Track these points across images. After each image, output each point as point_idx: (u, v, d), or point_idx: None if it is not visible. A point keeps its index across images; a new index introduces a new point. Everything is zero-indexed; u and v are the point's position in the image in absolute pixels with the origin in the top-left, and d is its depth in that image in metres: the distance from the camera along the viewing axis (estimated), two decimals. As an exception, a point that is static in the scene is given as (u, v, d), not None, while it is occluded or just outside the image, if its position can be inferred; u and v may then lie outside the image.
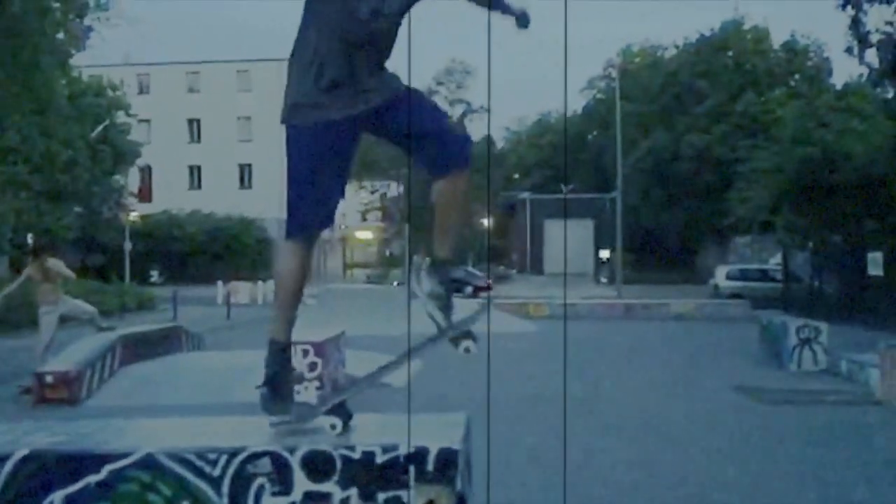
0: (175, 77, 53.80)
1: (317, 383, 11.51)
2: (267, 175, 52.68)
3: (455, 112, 64.01)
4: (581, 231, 56.68)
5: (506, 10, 3.01)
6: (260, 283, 32.25)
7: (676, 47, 54.17)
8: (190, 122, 54.27)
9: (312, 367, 11.59)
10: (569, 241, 56.06)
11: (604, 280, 48.32)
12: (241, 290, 31.69)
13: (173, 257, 44.78)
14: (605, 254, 49.80)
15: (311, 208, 3.01)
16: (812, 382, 12.06)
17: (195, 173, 54.40)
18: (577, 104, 65.02)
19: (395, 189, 65.03)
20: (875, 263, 20.75)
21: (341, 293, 23.99)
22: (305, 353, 11.63)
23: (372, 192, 67.40)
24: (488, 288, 30.22)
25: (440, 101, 62.22)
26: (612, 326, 21.69)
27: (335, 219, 3.10)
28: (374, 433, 3.99)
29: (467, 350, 3.22)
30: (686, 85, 48.27)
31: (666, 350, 16.67)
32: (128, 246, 33.65)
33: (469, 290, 34.16)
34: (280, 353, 3.18)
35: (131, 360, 13.03)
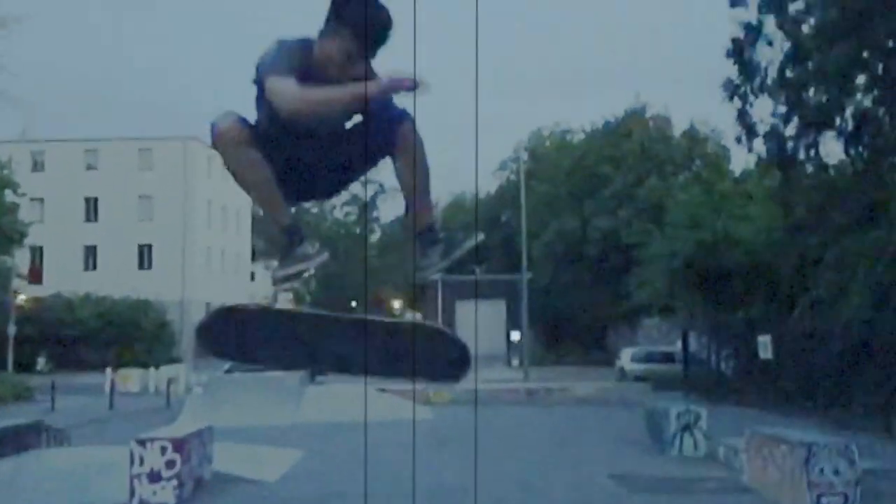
0: (72, 154, 52.10)
1: (174, 482, 10.79)
2: (168, 256, 51.34)
3: (368, 192, 64.28)
4: (493, 312, 56.55)
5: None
6: (152, 369, 30.82)
7: (584, 132, 55.60)
8: (87, 200, 52.39)
9: (170, 464, 10.90)
10: (481, 322, 55.79)
11: (515, 362, 48.09)
12: (132, 378, 30.20)
13: (63, 343, 42.64)
14: (516, 335, 49.70)
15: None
16: (688, 469, 12.04)
17: (91, 254, 52.26)
18: (490, 185, 65.88)
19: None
20: (764, 347, 21.05)
21: (231, 381, 23.00)
22: (164, 449, 10.94)
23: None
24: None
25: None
26: (510, 412, 21.35)
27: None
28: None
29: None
30: (593, 169, 49.38)
31: (555, 436, 16.50)
32: (11, 331, 31.91)
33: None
34: (289, 231, 3.19)
35: (-19, 461, 12.07)
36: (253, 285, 67.15)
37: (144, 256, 52.13)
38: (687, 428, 13.10)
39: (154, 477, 10.76)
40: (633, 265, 36.33)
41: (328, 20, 2.90)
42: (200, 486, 11.48)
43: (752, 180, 30.48)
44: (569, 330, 51.43)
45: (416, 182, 3.05)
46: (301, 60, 2.90)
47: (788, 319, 20.34)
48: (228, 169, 3.00)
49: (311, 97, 2.80)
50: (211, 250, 55.45)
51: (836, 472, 8.28)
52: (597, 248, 47.32)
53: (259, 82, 2.93)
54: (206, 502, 10.55)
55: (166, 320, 47.26)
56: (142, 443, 10.97)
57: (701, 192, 29.93)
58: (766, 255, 22.58)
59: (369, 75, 2.91)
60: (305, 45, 2.94)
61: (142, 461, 10.82)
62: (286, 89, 2.79)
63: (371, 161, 3.14)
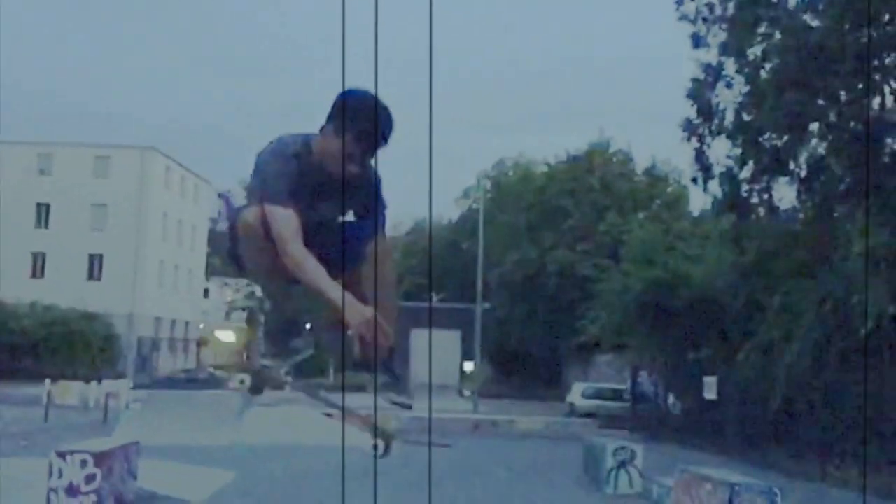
0: (25, 157, 50.87)
1: (94, 497, 10.45)
2: (119, 267, 50.29)
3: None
4: (448, 342, 56.19)
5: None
6: (94, 383, 29.98)
7: (547, 164, 55.75)
8: (38, 205, 51.13)
9: (90, 479, 10.58)
10: (436, 351, 55.34)
11: (467, 393, 47.76)
12: (71, 391, 29.33)
13: (5, 352, 41.36)
14: (469, 366, 49.43)
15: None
16: None
17: (39, 261, 51.00)
18: (452, 213, 65.88)
19: (261, 288, 63.67)
20: (709, 388, 21.11)
21: (171, 398, 22.55)
22: (84, 463, 10.63)
23: (237, 291, 65.81)
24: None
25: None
26: (454, 443, 21.07)
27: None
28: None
29: (375, 448, 3.15)
30: (553, 201, 49.49)
31: (495, 468, 16.24)
32: (-50, 336, 30.97)
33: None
34: (289, 323, 3.23)
35: None
36: (206, 302, 66.22)
37: (95, 267, 50.94)
38: (623, 465, 13.05)
39: (72, 491, 10.47)
40: (588, 300, 36.38)
41: (329, 119, 2.94)
42: (121, 503, 11.14)
43: (709, 221, 30.77)
44: (524, 363, 51.25)
45: (383, 297, 3.00)
46: (300, 159, 2.96)
47: (734, 362, 20.41)
48: (244, 256, 3.02)
49: (299, 267, 2.82)
50: (164, 264, 54.52)
51: (758, 513, 8.23)
52: (554, 281, 47.29)
53: (258, 178, 2.96)
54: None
55: (113, 334, 46.22)
56: (62, 455, 10.67)
57: (657, 231, 30.13)
58: (716, 296, 22.69)
59: (367, 176, 3.03)
60: (305, 141, 3.00)
61: (60, 474, 10.54)
62: (284, 235, 2.83)
63: (345, 270, 3.08)
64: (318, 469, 13.75)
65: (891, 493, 14.47)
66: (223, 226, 66.74)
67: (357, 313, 2.74)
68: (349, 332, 2.82)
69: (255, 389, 3.22)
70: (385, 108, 2.92)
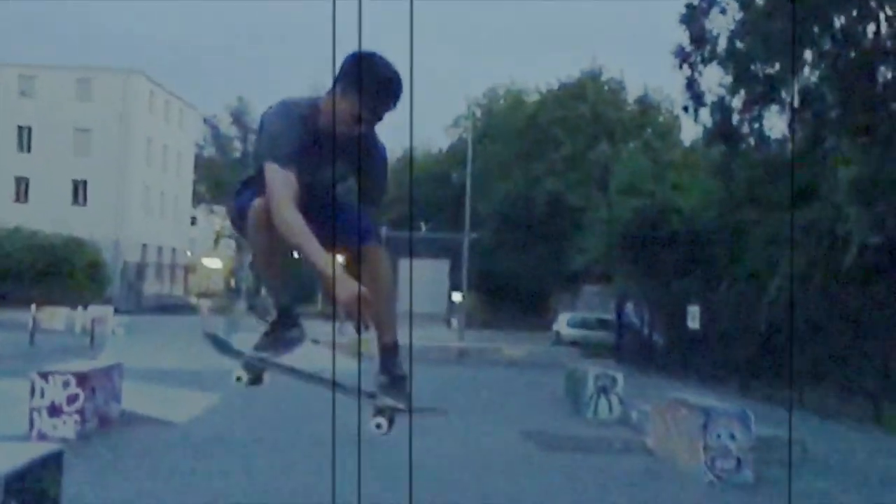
0: (6, 78, 49.87)
1: (76, 417, 10.47)
2: (103, 193, 49.89)
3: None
4: (437, 271, 56.26)
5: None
6: (80, 308, 30.00)
7: (539, 92, 55.16)
8: (20, 129, 50.38)
9: (72, 399, 10.58)
10: (424, 281, 55.47)
11: (455, 323, 48.05)
12: (57, 316, 29.41)
13: (-12, 276, 41.26)
14: (457, 295, 49.61)
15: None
16: (599, 430, 12.20)
17: (22, 185, 50.51)
18: (443, 142, 65.34)
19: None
20: (693, 317, 21.25)
21: (154, 323, 22.54)
22: (66, 384, 10.62)
23: (224, 219, 65.45)
24: None
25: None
26: (438, 370, 21.24)
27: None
28: None
29: (379, 426, 3.08)
30: (544, 130, 49.13)
31: (478, 394, 16.44)
32: (-67, 260, 30.81)
33: None
34: (285, 311, 3.24)
35: None
36: (194, 230, 65.95)
37: (79, 192, 50.52)
38: (603, 391, 13.27)
39: (54, 411, 10.49)
40: (577, 230, 36.32)
41: (337, 81, 2.91)
42: (106, 423, 11.19)
43: (700, 151, 30.60)
44: (512, 293, 51.45)
45: (380, 301, 2.95)
46: (307, 121, 2.94)
47: (719, 291, 20.52)
48: (250, 242, 3.05)
49: (290, 230, 2.75)
50: (150, 190, 54.10)
51: (732, 438, 8.47)
52: (543, 210, 47.23)
53: (262, 137, 2.96)
54: (109, 439, 10.24)
55: (99, 259, 46.09)
56: (43, 375, 10.66)
57: (645, 160, 30.00)
58: (703, 226, 22.69)
59: (372, 139, 3.01)
60: (313, 103, 2.98)
61: (42, 394, 10.54)
62: (279, 196, 2.77)
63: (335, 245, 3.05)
64: (304, 394, 13.79)
65: (879, 420, 14.76)
66: (210, 152, 65.96)
67: (346, 289, 2.67)
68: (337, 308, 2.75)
69: (254, 381, 3.21)
70: (395, 72, 2.88)
